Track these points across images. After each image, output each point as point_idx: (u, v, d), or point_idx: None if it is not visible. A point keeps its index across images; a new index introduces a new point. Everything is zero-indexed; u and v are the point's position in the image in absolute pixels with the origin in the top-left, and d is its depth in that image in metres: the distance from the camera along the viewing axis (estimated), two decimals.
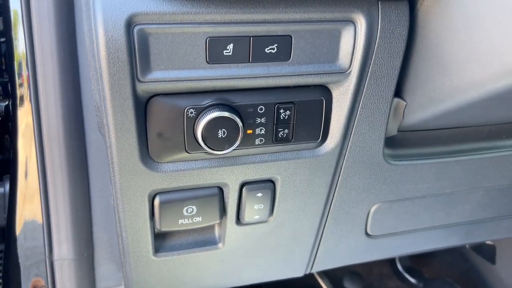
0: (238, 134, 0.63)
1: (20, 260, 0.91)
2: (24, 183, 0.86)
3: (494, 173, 0.89)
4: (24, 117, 0.81)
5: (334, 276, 1.58)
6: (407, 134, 0.80)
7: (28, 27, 0.70)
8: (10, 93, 0.84)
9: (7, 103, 0.88)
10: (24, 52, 0.74)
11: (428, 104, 0.68)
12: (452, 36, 0.59)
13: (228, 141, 0.63)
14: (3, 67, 0.90)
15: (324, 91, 0.67)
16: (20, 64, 0.78)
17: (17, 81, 0.79)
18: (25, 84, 0.78)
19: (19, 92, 0.79)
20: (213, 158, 0.67)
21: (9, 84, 0.84)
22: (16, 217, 0.89)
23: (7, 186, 0.92)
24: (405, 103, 0.71)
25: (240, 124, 0.62)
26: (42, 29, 0.69)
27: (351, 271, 1.62)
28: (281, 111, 0.65)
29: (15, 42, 0.77)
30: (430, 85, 0.65)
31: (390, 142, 0.78)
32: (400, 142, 0.80)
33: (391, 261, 1.65)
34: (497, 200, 0.98)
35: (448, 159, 0.82)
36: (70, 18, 0.69)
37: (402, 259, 1.65)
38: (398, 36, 0.63)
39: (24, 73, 0.77)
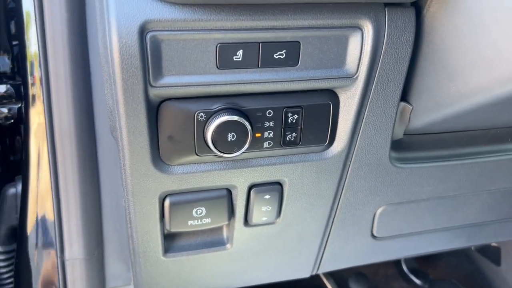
0: (247, 137, 0.64)
1: (31, 260, 0.93)
2: (35, 184, 0.87)
3: (498, 176, 0.90)
4: (36, 118, 0.82)
5: (339, 277, 1.59)
6: (413, 137, 0.81)
7: (41, 28, 0.71)
8: (22, 96, 0.85)
9: (19, 105, 0.89)
10: (37, 53, 0.75)
11: (434, 108, 0.69)
12: (458, 42, 0.60)
13: (237, 145, 0.64)
14: (15, 69, 0.92)
15: (331, 95, 0.68)
16: (32, 66, 0.79)
17: (30, 83, 0.81)
18: (38, 86, 0.80)
19: (31, 93, 0.81)
20: (222, 161, 0.69)
21: (22, 87, 0.86)
22: (28, 217, 0.91)
23: (19, 187, 0.93)
24: (411, 107, 0.72)
25: (249, 127, 0.64)
26: (55, 30, 0.71)
27: (357, 272, 1.63)
28: (289, 115, 0.67)
29: (27, 44, 0.78)
30: (436, 90, 0.66)
31: (396, 145, 0.79)
32: (406, 145, 0.81)
33: (396, 263, 1.66)
34: (501, 203, 0.99)
35: (453, 162, 0.83)
36: (82, 19, 0.71)
37: (408, 260, 1.65)
38: (405, 42, 0.64)
39: (37, 74, 0.79)
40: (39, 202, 0.89)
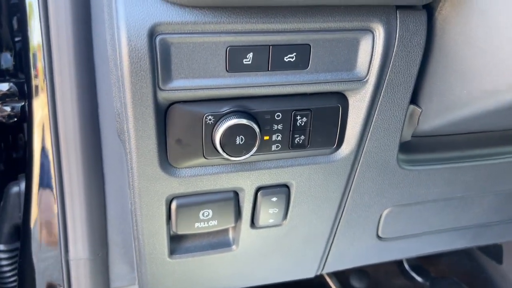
0: (256, 140, 0.64)
1: (35, 259, 0.92)
2: (39, 182, 0.87)
3: (505, 178, 0.89)
4: (40, 116, 0.82)
5: (341, 274, 1.60)
6: (420, 139, 0.81)
7: (46, 28, 0.70)
8: (26, 94, 0.84)
9: (23, 103, 0.88)
10: (41, 50, 0.74)
11: (444, 111, 0.68)
12: (471, 45, 0.59)
13: (245, 148, 0.64)
14: (18, 67, 0.91)
15: (341, 98, 0.67)
16: (35, 64, 0.78)
17: (33, 81, 0.80)
18: (41, 84, 0.79)
19: (34, 91, 0.80)
20: (229, 164, 0.68)
21: (25, 85, 0.85)
22: (32, 216, 0.90)
23: (23, 185, 0.93)
24: (420, 110, 0.71)
25: (257, 131, 0.63)
26: (59, 30, 0.69)
27: (358, 269, 1.63)
28: (298, 117, 0.66)
29: (30, 42, 0.77)
30: (447, 93, 0.66)
31: (404, 147, 0.79)
32: (414, 147, 0.81)
33: (398, 260, 1.66)
34: (507, 204, 0.99)
35: (461, 164, 0.83)
36: (87, 21, 0.70)
37: (409, 258, 1.66)
38: (416, 45, 0.64)
39: (40, 72, 0.78)
40: (43, 201, 0.88)
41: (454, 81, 0.64)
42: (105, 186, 0.83)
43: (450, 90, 0.65)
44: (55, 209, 0.86)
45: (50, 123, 0.78)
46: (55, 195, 0.84)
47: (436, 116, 0.70)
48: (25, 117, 0.87)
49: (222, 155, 0.64)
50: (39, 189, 0.88)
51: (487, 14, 0.56)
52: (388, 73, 0.65)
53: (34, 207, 0.90)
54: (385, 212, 0.87)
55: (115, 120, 0.73)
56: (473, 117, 0.66)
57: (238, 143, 0.63)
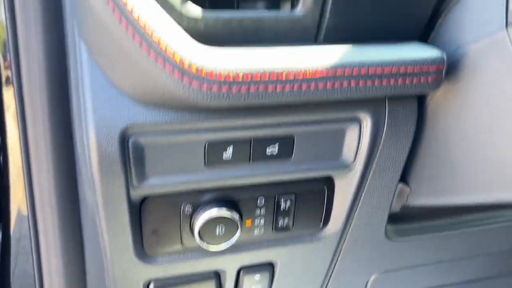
0: (236, 229, 0.61)
1: None
2: (16, 231, 0.84)
3: (495, 241, 0.87)
4: (17, 169, 0.78)
5: None
6: (409, 208, 0.78)
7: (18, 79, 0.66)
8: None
9: None
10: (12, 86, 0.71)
11: (433, 195, 0.65)
12: (461, 137, 0.57)
13: (225, 237, 0.61)
14: None
15: (327, 181, 0.64)
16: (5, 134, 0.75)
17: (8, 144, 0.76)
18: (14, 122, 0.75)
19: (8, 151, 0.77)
20: None
21: None
22: (10, 265, 0.87)
23: None
24: (409, 189, 0.69)
25: (238, 221, 0.60)
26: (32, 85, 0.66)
27: None
28: (282, 201, 0.63)
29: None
30: (436, 180, 0.63)
31: (392, 217, 0.76)
32: (402, 217, 0.78)
33: None
34: (497, 262, 0.97)
35: (450, 232, 0.80)
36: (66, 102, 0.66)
37: None
38: (405, 132, 0.61)
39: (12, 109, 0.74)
40: (20, 251, 0.85)
41: (443, 171, 0.61)
42: (83, 241, 0.80)
43: (439, 178, 0.62)
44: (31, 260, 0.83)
45: (24, 175, 0.74)
46: (31, 248, 0.81)
47: (425, 197, 0.68)
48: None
49: (201, 246, 0.61)
50: (16, 238, 0.85)
51: (478, 113, 0.53)
52: (375, 159, 0.62)
53: (12, 256, 0.87)
54: (372, 277, 0.85)
55: None
56: (463, 205, 0.64)
57: (217, 233, 0.60)
